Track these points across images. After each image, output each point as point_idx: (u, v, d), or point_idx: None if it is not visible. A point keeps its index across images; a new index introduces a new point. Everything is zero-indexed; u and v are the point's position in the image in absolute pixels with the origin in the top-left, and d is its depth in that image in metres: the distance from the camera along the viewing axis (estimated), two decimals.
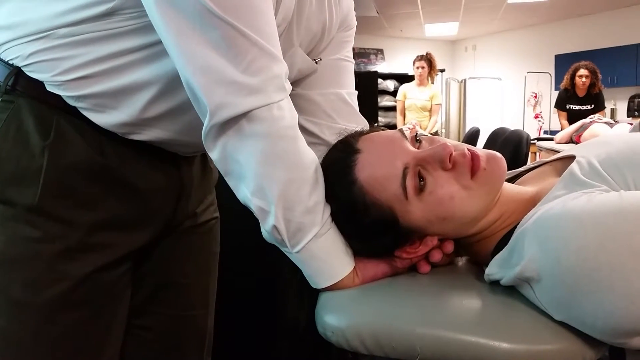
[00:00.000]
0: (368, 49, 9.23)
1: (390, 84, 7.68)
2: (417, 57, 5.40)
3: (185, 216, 0.89)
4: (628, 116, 6.71)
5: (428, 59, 5.33)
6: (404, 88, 5.55)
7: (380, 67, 8.83)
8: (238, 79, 0.60)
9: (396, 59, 9.16)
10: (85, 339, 0.74)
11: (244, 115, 0.61)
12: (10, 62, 0.70)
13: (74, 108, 0.70)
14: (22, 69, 0.69)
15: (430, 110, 5.41)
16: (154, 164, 0.78)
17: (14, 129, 0.69)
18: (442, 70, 8.78)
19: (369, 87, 7.45)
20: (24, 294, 0.69)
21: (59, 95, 0.69)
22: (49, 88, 0.69)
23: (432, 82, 5.75)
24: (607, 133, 3.59)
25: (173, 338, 0.91)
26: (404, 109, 5.47)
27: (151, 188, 0.78)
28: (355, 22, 0.93)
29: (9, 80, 0.70)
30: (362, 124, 0.88)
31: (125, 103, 0.70)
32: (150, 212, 0.79)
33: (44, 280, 0.69)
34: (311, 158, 0.68)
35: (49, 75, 0.68)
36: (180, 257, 0.90)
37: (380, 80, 7.68)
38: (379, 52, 9.37)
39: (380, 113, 7.47)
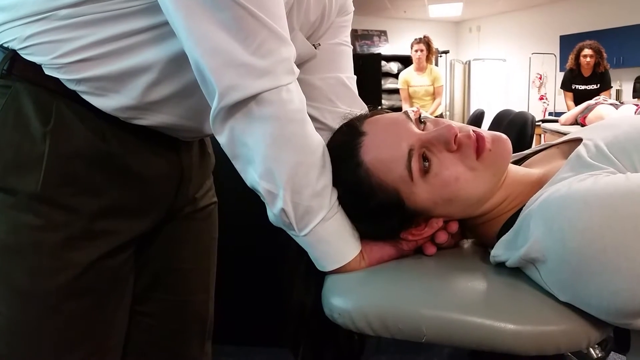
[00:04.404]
0: (371, 30, 9.15)
1: (393, 66, 7.62)
2: (415, 40, 5.31)
3: (186, 202, 0.88)
4: (634, 97, 6.64)
5: (426, 42, 5.26)
6: (405, 75, 5.43)
7: (384, 49, 8.76)
8: (248, 61, 0.60)
9: (399, 41, 9.08)
10: (90, 327, 0.74)
11: (253, 97, 0.61)
12: (6, 44, 0.68)
13: (74, 92, 0.68)
14: (19, 51, 0.68)
15: (433, 94, 5.36)
16: (155, 150, 0.77)
17: (12, 114, 0.68)
18: (446, 52, 8.71)
19: (372, 70, 7.39)
20: (27, 283, 0.68)
21: (58, 79, 0.67)
22: (47, 71, 0.67)
23: (436, 64, 5.68)
24: (612, 115, 3.56)
25: (175, 323, 0.91)
26: (409, 96, 5.41)
27: (153, 174, 0.77)
28: (352, 8, 0.92)
29: (5, 64, 0.68)
30: (362, 107, 0.88)
31: (127, 86, 0.69)
32: (152, 198, 0.79)
33: (48, 269, 0.69)
34: (319, 141, 0.68)
35: (49, 58, 0.66)
36: (181, 243, 0.90)
37: (383, 63, 7.62)
38: (382, 33, 9.28)
39: (383, 95, 7.42)
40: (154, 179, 0.78)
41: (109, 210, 0.73)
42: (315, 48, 0.84)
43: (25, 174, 0.67)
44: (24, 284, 0.69)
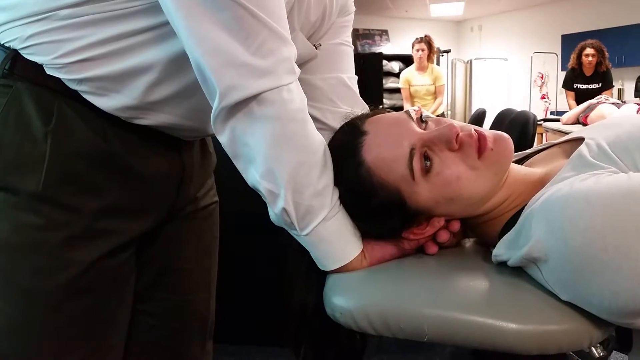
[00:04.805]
0: (372, 29, 9.15)
1: (395, 66, 7.62)
2: (416, 39, 5.31)
3: (187, 201, 0.88)
4: (636, 96, 6.64)
5: (427, 41, 5.26)
6: (406, 75, 5.43)
7: (385, 48, 8.77)
8: (249, 61, 0.60)
9: (401, 40, 9.07)
10: (91, 326, 0.74)
11: (254, 97, 0.61)
12: (7, 44, 0.68)
13: (75, 92, 0.68)
14: (20, 51, 0.68)
15: (434, 93, 5.36)
16: (156, 149, 0.77)
17: (14, 114, 0.68)
18: (448, 51, 8.70)
19: (373, 69, 7.40)
20: (29, 282, 0.68)
21: (59, 79, 0.67)
22: (48, 71, 0.67)
23: (437, 63, 5.67)
24: (614, 114, 3.56)
25: (176, 322, 0.91)
26: (411, 95, 5.40)
27: (154, 173, 0.77)
28: (353, 8, 0.92)
29: (6, 64, 0.68)
30: (364, 108, 0.88)
31: (128, 86, 0.69)
32: (153, 197, 0.79)
33: (49, 268, 0.69)
34: (320, 141, 0.68)
35: (50, 58, 0.67)
36: (183, 242, 0.91)
37: (384, 62, 7.62)
38: (384, 32, 9.29)
39: (385, 95, 7.42)
40: (155, 178, 0.78)
41: (110, 209, 0.73)
42: (316, 48, 0.84)
43: (26, 174, 0.67)
44: (25, 283, 0.69)
